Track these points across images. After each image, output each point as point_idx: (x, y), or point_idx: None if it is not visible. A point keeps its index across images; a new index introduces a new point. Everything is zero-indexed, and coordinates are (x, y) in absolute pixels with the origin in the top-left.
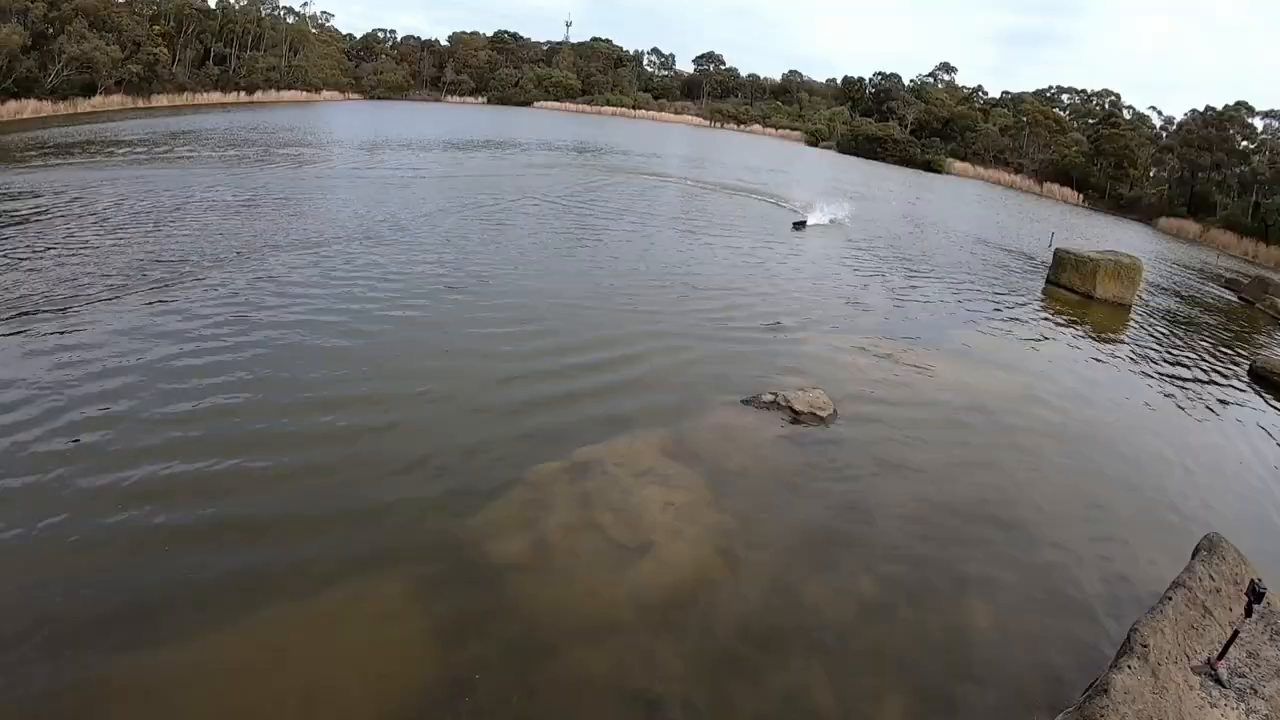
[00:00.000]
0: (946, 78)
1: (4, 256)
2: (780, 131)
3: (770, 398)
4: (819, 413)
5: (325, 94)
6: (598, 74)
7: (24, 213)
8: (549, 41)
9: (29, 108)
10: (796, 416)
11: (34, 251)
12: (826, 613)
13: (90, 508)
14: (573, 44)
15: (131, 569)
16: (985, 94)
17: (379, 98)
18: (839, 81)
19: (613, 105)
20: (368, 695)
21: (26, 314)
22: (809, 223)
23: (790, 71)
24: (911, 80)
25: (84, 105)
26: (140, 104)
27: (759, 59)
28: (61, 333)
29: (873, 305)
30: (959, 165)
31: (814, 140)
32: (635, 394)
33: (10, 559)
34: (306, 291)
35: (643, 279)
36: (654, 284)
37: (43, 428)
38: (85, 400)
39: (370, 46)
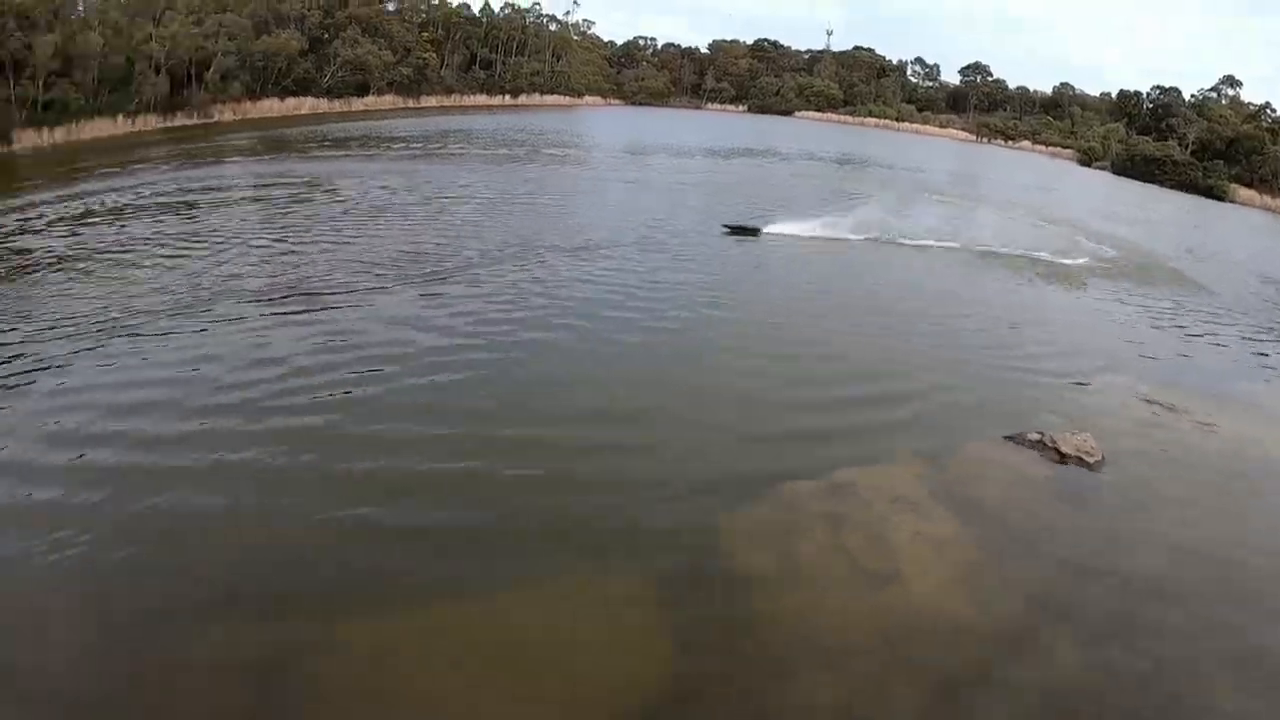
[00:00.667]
0: (1231, 92)
1: (288, 239)
2: (1050, 149)
3: (1036, 437)
4: (1086, 457)
5: (587, 99)
6: (859, 84)
7: (309, 197)
8: (809, 50)
9: (306, 105)
10: (1062, 458)
11: (313, 236)
12: (1069, 671)
13: (333, 489)
14: (834, 53)
15: (372, 543)
16: (1275, 111)
17: (640, 103)
18: (1113, 95)
19: (875, 116)
20: (598, 683)
21: (305, 295)
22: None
23: (1061, 84)
24: (1192, 95)
25: (357, 104)
26: (410, 104)
27: (1027, 70)
28: (330, 316)
29: (1153, 347)
30: (1244, 193)
31: (1086, 159)
32: (896, 420)
33: (254, 530)
34: (570, 294)
35: (908, 304)
36: (919, 311)
37: (287, 402)
38: (334, 384)
39: (631, 53)
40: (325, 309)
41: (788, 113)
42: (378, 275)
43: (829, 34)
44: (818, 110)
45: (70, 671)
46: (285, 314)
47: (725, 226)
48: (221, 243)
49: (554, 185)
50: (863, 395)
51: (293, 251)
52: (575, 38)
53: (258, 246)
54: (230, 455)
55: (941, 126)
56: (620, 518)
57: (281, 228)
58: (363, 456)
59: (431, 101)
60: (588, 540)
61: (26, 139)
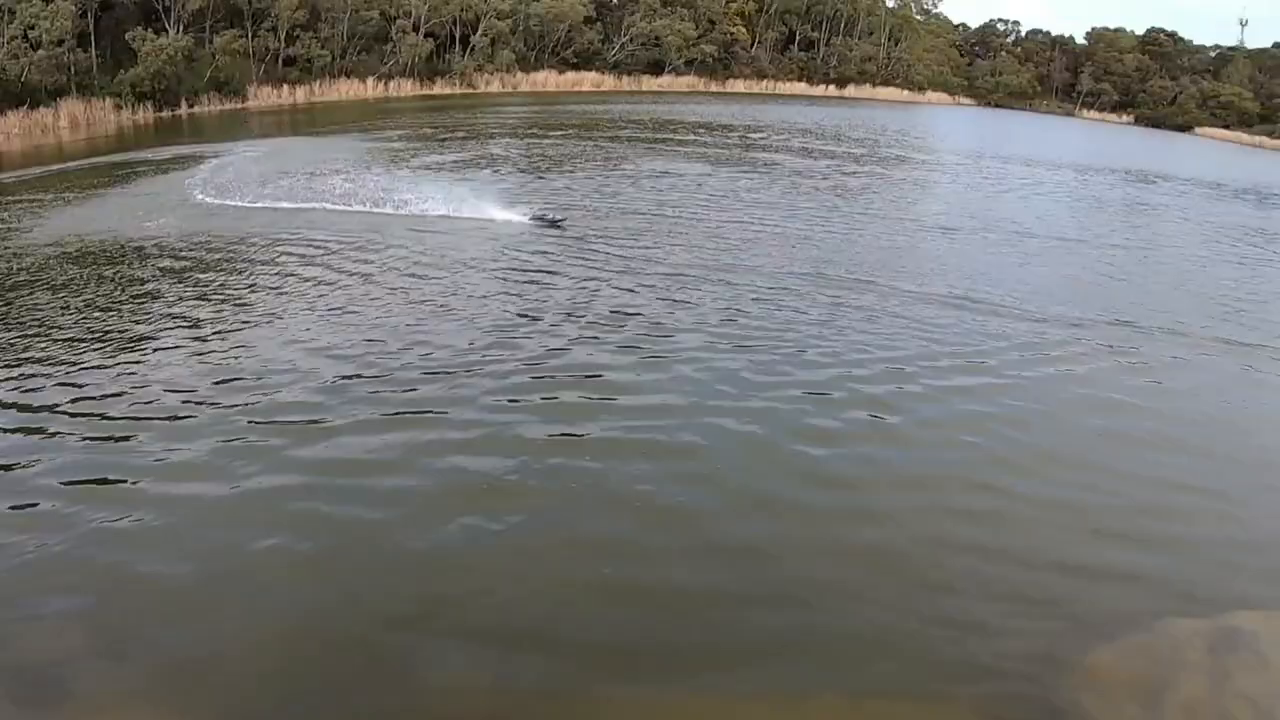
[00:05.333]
0: None
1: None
2: None
3: None
4: None
5: (930, 95)
6: None
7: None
8: (1217, 46)
9: (587, 80)
10: None
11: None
12: None
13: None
14: (1248, 50)
15: (657, 612)
16: None
17: (995, 104)
18: None
19: None
20: None
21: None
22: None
23: None
24: None
25: (649, 83)
26: (713, 87)
27: None
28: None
29: None
30: None
31: None
32: None
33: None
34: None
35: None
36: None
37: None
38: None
39: (986, 40)
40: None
41: (1186, 128)
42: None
43: (1243, 25)
44: (1225, 127)
45: None
46: None
47: None
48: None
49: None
50: (1245, 514)
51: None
52: (918, 17)
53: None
54: None
55: None
56: (944, 629)
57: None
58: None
59: (738, 86)
60: (903, 659)
61: (264, 96)
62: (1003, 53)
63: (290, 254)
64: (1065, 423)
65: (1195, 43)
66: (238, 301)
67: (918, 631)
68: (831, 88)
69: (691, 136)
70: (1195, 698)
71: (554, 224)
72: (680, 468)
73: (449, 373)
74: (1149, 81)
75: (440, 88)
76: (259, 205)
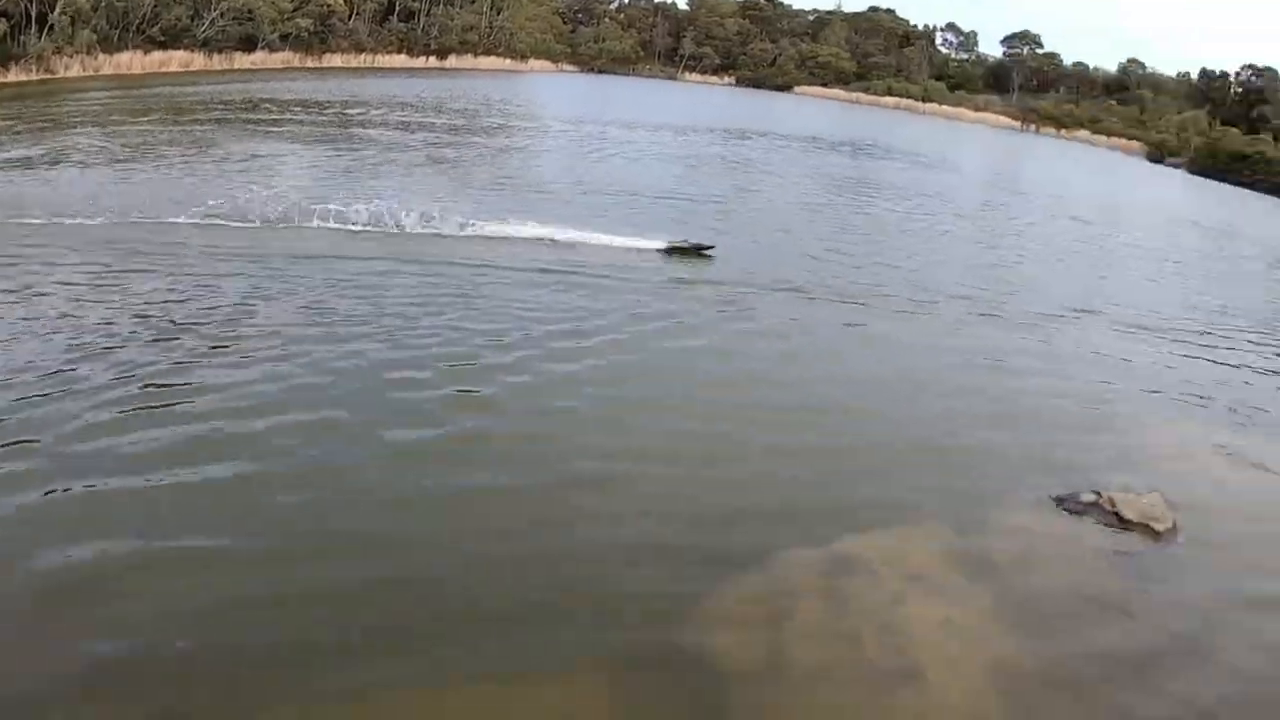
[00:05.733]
0: None
1: None
2: (1113, 139)
3: (1091, 498)
4: (1154, 525)
5: (533, 63)
6: (876, 54)
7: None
8: (815, 11)
9: (175, 60)
10: (1124, 526)
11: None
12: None
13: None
14: (845, 14)
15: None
16: None
17: (600, 70)
18: (1193, 76)
19: (895, 95)
20: None
21: None
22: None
23: (1128, 60)
24: None
25: (242, 60)
26: (310, 63)
27: (1087, 43)
28: None
29: (1238, 385)
30: None
31: (1158, 154)
32: (918, 476)
33: None
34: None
35: (944, 347)
36: (952, 344)
37: None
38: None
39: (589, 8)
40: None
41: (786, 87)
42: None
43: None
44: (823, 85)
45: None
46: None
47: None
48: None
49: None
50: (870, 444)
51: None
52: None
53: None
54: None
55: (977, 110)
56: (582, 594)
57: None
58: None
59: (336, 60)
60: (541, 620)
61: None
62: (606, 19)
63: None
64: (664, 374)
65: (795, 7)
66: None
67: (544, 602)
68: (433, 59)
69: (288, 115)
70: (815, 620)
71: None
72: (266, 466)
73: None
74: (750, 44)
75: (15, 74)
76: None
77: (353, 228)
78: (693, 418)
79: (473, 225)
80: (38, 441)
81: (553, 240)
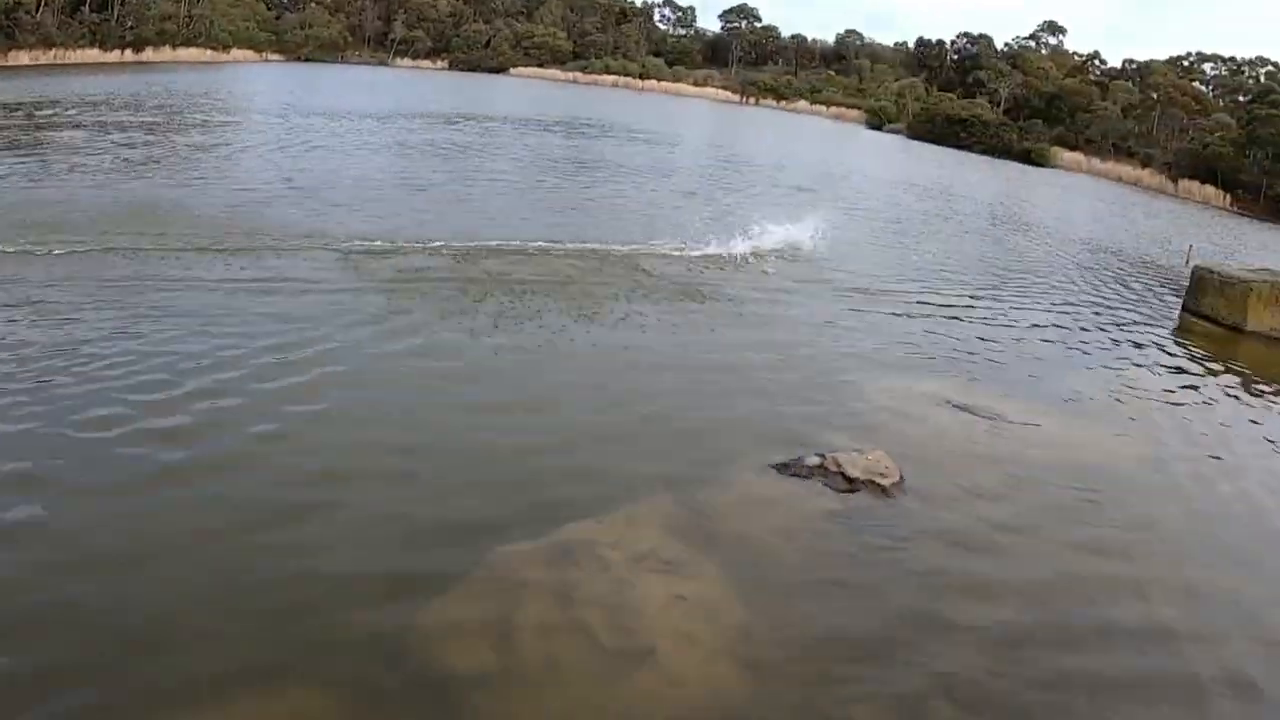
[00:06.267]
0: (1053, 41)
1: None
2: (833, 109)
3: (815, 461)
4: (880, 480)
5: (235, 53)
6: (594, 32)
7: None
8: None
9: None
10: (850, 485)
11: None
12: None
13: None
14: None
15: None
16: (1103, 63)
17: (308, 58)
18: (911, 45)
19: (614, 73)
20: None
21: None
22: None
23: (847, 31)
24: (1006, 44)
25: None
26: None
27: (805, 15)
28: None
29: (956, 341)
30: (1068, 156)
31: (877, 121)
32: (635, 452)
33: None
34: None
35: (639, 294)
36: (658, 306)
37: None
38: None
39: None
40: None
41: (502, 69)
42: None
43: None
44: (540, 65)
45: None
46: None
47: None
48: None
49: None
50: (579, 426)
51: None
52: None
53: None
54: None
55: (698, 84)
56: (279, 613)
57: None
58: None
59: (23, 58)
60: (245, 651)
61: None
62: (312, 4)
63: None
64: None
65: None
66: None
67: (251, 626)
68: (129, 53)
69: None
70: (542, 615)
71: None
72: None
73: None
74: (463, 26)
75: None
76: None
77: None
78: (388, 427)
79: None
80: None
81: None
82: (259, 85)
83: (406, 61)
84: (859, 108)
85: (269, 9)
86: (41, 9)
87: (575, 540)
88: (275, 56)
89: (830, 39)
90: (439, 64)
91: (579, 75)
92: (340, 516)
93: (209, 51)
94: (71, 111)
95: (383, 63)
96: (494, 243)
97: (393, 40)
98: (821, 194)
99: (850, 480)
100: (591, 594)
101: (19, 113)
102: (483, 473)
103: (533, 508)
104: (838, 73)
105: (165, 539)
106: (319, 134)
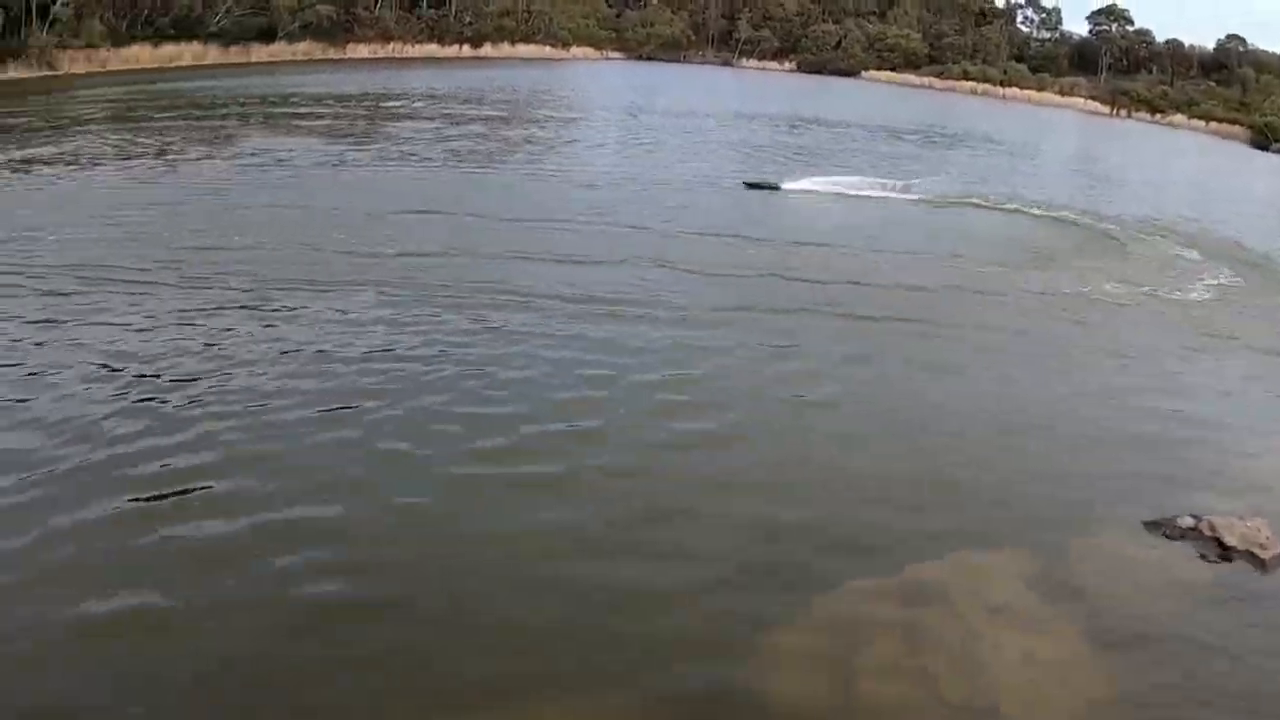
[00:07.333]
0: None
1: None
2: (1210, 125)
3: (1189, 523)
4: (1259, 552)
5: (575, 50)
6: (951, 34)
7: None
8: None
9: (188, 53)
10: (1225, 553)
11: None
12: None
13: None
14: None
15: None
16: None
17: (648, 57)
18: None
19: (972, 79)
20: None
21: None
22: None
23: (1228, 37)
24: None
25: (260, 52)
26: (332, 54)
27: (1182, 19)
28: None
29: None
30: None
31: (1263, 140)
32: (996, 496)
33: None
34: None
35: (1007, 343)
36: (1020, 350)
37: None
38: None
39: None
40: None
41: (851, 72)
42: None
43: None
44: (892, 69)
45: None
46: None
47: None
48: None
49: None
50: (951, 468)
51: None
52: None
53: None
54: None
55: (1063, 93)
56: (632, 629)
57: None
58: None
59: (362, 51)
60: (587, 656)
61: None
62: (654, 1)
63: None
64: (751, 397)
65: None
66: None
67: (587, 628)
68: (466, 48)
69: (322, 109)
70: (887, 656)
71: None
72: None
73: None
74: (811, 26)
75: (14, 71)
76: None
77: None
78: (778, 442)
79: None
80: None
81: None
82: (601, 83)
83: (752, 62)
84: (1242, 123)
85: (609, 6)
86: (379, 4)
87: (928, 581)
88: (615, 54)
89: (1209, 44)
90: (786, 65)
91: (934, 80)
92: (701, 527)
93: (548, 48)
94: (418, 104)
95: (727, 63)
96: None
97: (737, 40)
98: (1211, 225)
99: (1226, 548)
100: (940, 641)
101: (362, 104)
102: (844, 499)
103: (888, 542)
104: (1218, 83)
105: (533, 546)
106: (667, 131)
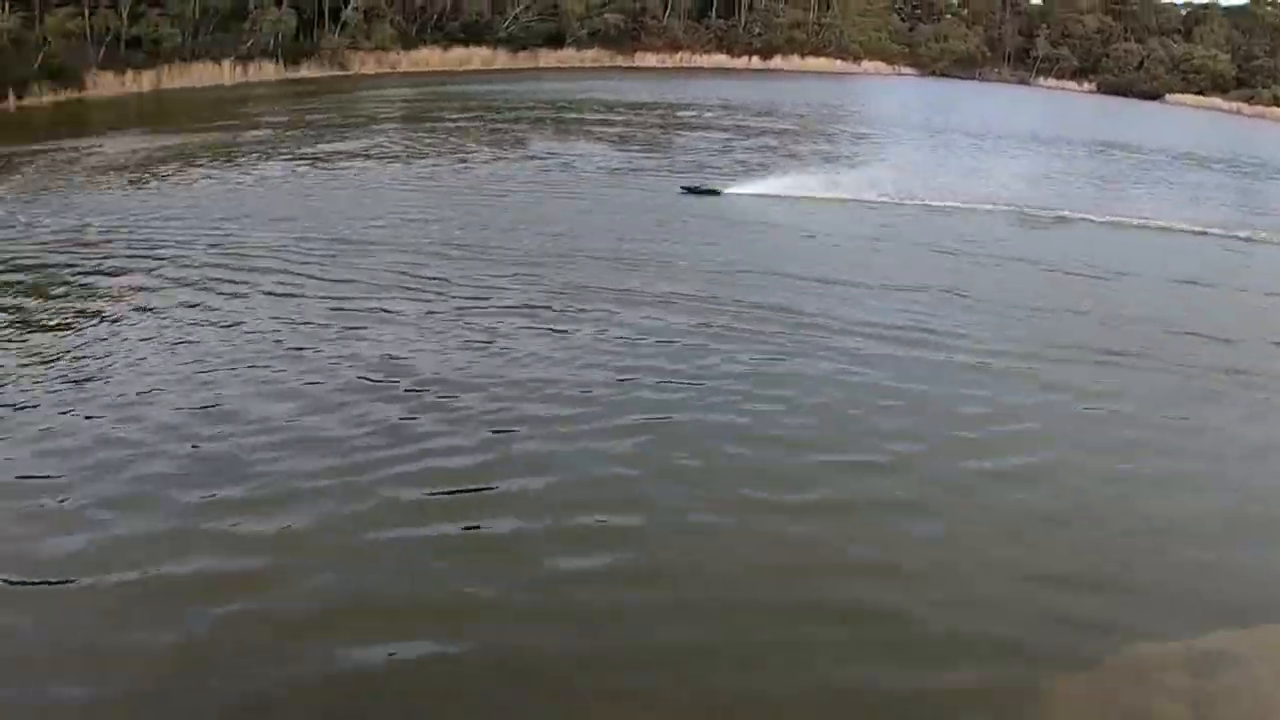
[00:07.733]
0: None
1: None
2: None
3: None
4: None
5: (866, 64)
6: (1261, 55)
7: None
8: (1189, 4)
9: (477, 57)
10: None
11: None
12: None
13: None
14: (1224, 8)
15: None
16: None
17: (941, 73)
18: None
19: None
20: None
21: None
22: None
23: None
24: None
25: (548, 58)
26: (620, 61)
27: None
28: None
29: None
30: None
31: None
32: None
33: None
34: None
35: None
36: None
37: None
38: None
39: (929, 2)
40: None
41: (1155, 95)
42: None
43: None
44: (1198, 93)
45: None
46: None
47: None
48: None
49: None
50: (1221, 509)
51: None
52: None
53: None
54: None
55: None
56: (897, 685)
57: None
58: None
59: (649, 59)
60: (860, 690)
61: (105, 84)
62: (948, 15)
63: None
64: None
65: (1164, 1)
66: None
67: (869, 668)
68: (755, 59)
69: (614, 116)
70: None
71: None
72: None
73: None
74: (1112, 44)
75: (308, 70)
76: None
77: None
78: (1042, 486)
79: None
80: None
81: None
82: (898, 99)
83: (1050, 81)
84: None
85: (902, 19)
86: (668, 13)
87: (1221, 648)
88: (908, 70)
89: None
90: (1085, 85)
91: (1243, 106)
92: (968, 569)
93: (838, 61)
94: (709, 114)
95: (1023, 81)
96: None
97: (1034, 58)
98: None
99: None
100: (1231, 711)
101: (655, 112)
102: (1136, 553)
103: (1184, 600)
104: None
105: (810, 568)
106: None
